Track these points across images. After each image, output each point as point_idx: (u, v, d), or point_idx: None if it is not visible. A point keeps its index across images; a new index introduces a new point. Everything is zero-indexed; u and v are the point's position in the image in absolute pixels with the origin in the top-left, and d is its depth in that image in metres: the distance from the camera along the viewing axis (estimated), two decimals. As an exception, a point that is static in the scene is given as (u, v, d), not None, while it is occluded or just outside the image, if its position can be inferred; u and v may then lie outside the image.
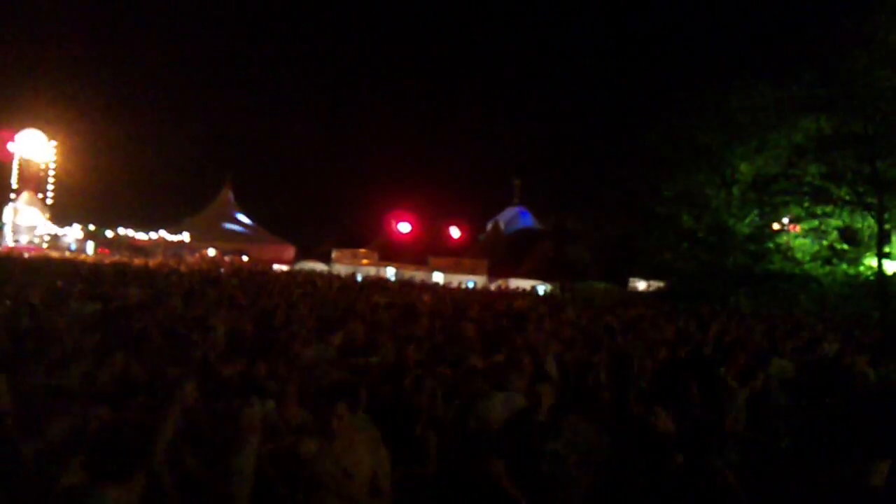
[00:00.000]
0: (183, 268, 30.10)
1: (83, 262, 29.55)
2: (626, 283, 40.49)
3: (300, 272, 35.58)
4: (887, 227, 29.34)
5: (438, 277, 42.74)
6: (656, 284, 38.35)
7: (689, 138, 32.62)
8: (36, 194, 62.10)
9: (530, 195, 61.07)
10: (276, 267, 42.83)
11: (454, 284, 33.32)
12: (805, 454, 7.53)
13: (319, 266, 46.85)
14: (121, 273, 20.56)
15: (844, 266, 31.34)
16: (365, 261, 49.46)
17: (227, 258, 54.72)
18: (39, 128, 60.99)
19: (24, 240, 57.95)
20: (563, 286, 37.04)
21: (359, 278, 33.70)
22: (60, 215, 63.22)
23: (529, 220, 56.76)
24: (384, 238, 53.89)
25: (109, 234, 66.37)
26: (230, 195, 74.12)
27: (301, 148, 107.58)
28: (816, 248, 32.12)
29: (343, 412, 3.30)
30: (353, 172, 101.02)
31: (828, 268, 31.55)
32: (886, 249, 29.52)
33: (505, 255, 46.70)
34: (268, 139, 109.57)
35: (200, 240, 64.10)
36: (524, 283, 36.33)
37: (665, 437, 4.60)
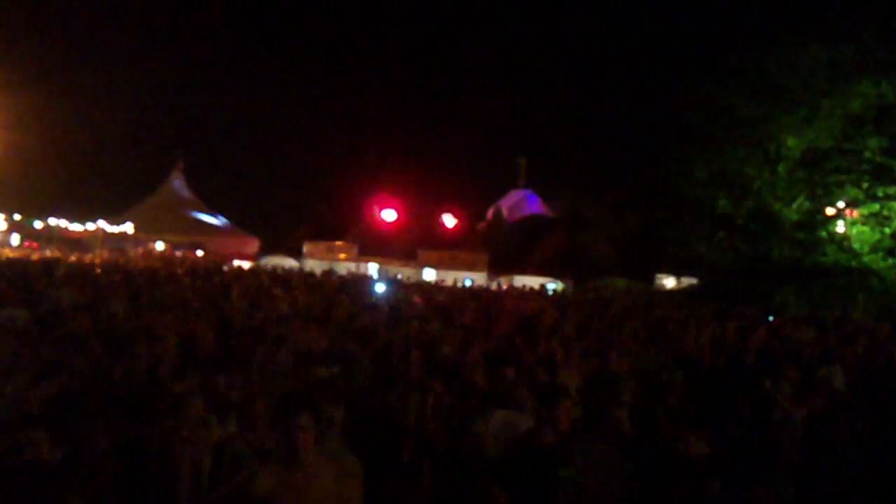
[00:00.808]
0: (126, 265, 30.00)
1: (6, 259, 29.45)
2: (651, 280, 40.58)
3: (266, 269, 35.50)
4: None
5: (430, 274, 42.75)
6: (688, 282, 38.46)
7: (727, 108, 32.65)
8: (-51, 178, 61.77)
9: (538, 176, 60.99)
10: (236, 263, 42.71)
11: (448, 282, 33.34)
12: (875, 488, 7.57)
13: (288, 262, 46.75)
14: (52, 272, 20.49)
15: (910, 258, 31.49)
16: (342, 255, 49.41)
17: (178, 253, 54.53)
18: (-48, 98, 60.47)
19: (-66, 232, 57.68)
20: (577, 284, 37.12)
21: (335, 276, 33.67)
22: (-22, 203, 62.82)
23: (537, 206, 56.74)
24: (365, 228, 53.77)
25: (38, 224, 66.07)
26: (181, 179, 73.81)
27: (265, 122, 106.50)
28: (877, 236, 32.21)
29: (307, 423, 3.33)
30: (327, 151, 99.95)
31: (891, 260, 31.66)
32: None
33: (509, 248, 46.69)
34: (226, 112, 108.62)
35: (146, 231, 63.85)
36: (531, 281, 36.34)
37: (698, 462, 4.63)
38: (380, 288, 22.75)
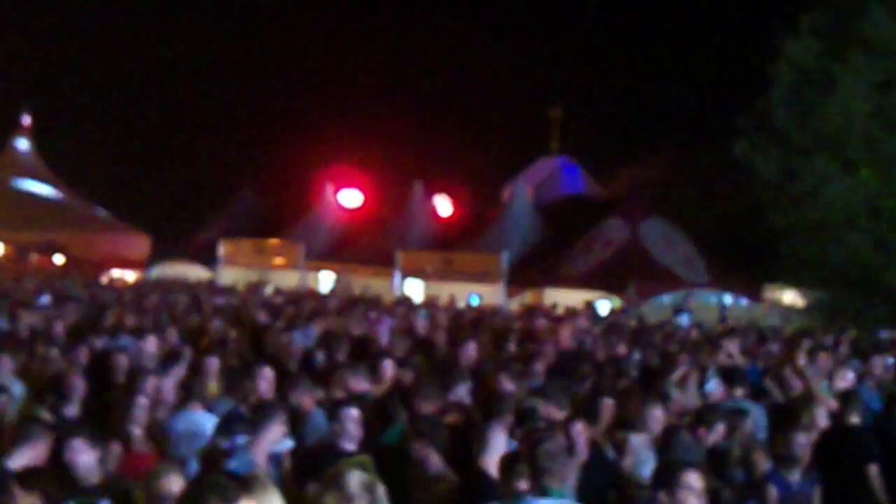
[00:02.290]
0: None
1: None
2: (757, 293, 40.58)
3: (161, 283, 35.46)
4: None
5: (415, 288, 42.66)
6: (811, 295, 38.43)
7: (869, 28, 32.58)
8: None
9: (580, 135, 61.04)
10: (116, 274, 42.66)
11: (443, 300, 33.29)
12: None
13: (195, 271, 46.72)
14: None
15: None
16: (279, 260, 49.34)
17: (26, 259, 54.50)
18: None
19: None
20: (644, 300, 37.03)
21: (268, 290, 33.51)
22: None
23: (579, 182, 56.62)
24: (314, 219, 53.83)
25: None
26: (27, 147, 73.76)
27: (157, 60, 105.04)
28: None
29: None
30: (254, 102, 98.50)
31: None
32: None
33: (536, 246, 46.67)
34: (96, 47, 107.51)
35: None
36: (572, 297, 36.22)
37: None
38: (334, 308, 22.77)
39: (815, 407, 9.52)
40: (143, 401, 8.29)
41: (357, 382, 9.61)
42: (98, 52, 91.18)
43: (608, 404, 9.12)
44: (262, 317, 18.54)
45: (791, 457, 7.77)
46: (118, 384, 9.80)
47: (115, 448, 6.87)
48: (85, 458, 6.48)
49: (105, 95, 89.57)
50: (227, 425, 7.43)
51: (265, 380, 9.14)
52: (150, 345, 11.66)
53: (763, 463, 8.09)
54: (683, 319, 25.93)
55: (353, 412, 7.62)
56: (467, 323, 20.86)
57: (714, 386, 11.04)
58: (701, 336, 19.09)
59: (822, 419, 9.29)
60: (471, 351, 12.75)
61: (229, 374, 10.11)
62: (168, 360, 10.49)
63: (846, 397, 9.84)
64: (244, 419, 7.61)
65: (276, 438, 7.14)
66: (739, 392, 10.47)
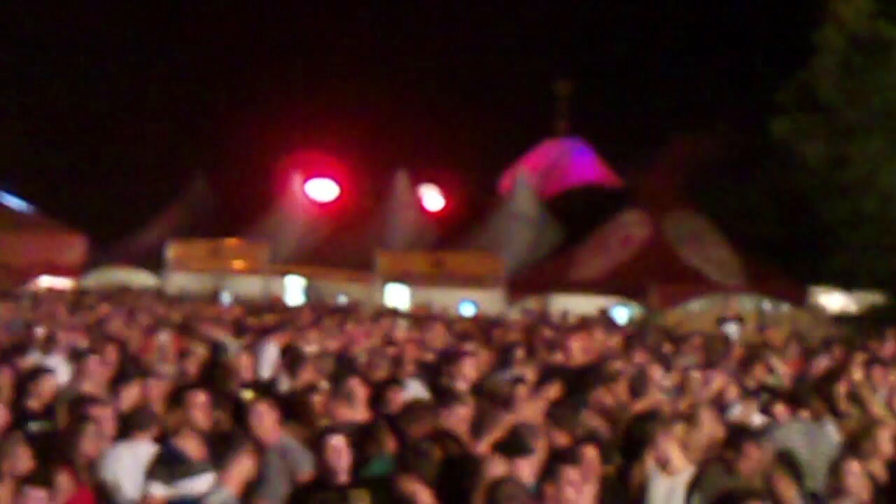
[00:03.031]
0: None
1: None
2: (802, 297, 40.61)
3: (99, 293, 35.38)
4: None
5: (399, 295, 42.68)
6: (870, 299, 38.44)
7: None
8: None
9: (592, 114, 61.03)
10: (45, 282, 42.53)
11: (434, 310, 33.29)
12: None
13: (139, 277, 46.63)
14: None
15: None
16: (238, 263, 49.24)
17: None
18: None
19: None
20: (666, 307, 37.03)
21: (225, 300, 33.51)
22: None
23: (591, 168, 56.73)
24: (279, 216, 53.79)
25: None
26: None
27: (90, 26, 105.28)
28: None
29: None
30: (205, 73, 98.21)
31: None
32: None
33: (542, 245, 46.69)
34: (20, 15, 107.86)
35: None
36: (585, 304, 36.27)
37: None
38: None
39: (876, 430, 9.46)
40: (92, 429, 8.15)
41: (338, 408, 9.62)
42: (19, 21, 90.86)
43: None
44: (218, 332, 18.51)
45: (841, 488, 7.71)
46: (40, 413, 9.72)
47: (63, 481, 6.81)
48: None
49: (28, 68, 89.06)
50: (163, 467, 7.35)
51: (198, 407, 9.04)
52: (91, 366, 11.53)
53: (789, 492, 8.02)
54: (731, 329, 25.95)
55: (339, 441, 7.58)
56: (461, 336, 20.86)
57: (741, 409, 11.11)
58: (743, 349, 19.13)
59: (885, 445, 9.20)
60: (466, 369, 12.68)
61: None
62: (115, 383, 10.39)
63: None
64: (183, 458, 7.55)
65: (247, 476, 7.07)
66: (805, 414, 10.50)
